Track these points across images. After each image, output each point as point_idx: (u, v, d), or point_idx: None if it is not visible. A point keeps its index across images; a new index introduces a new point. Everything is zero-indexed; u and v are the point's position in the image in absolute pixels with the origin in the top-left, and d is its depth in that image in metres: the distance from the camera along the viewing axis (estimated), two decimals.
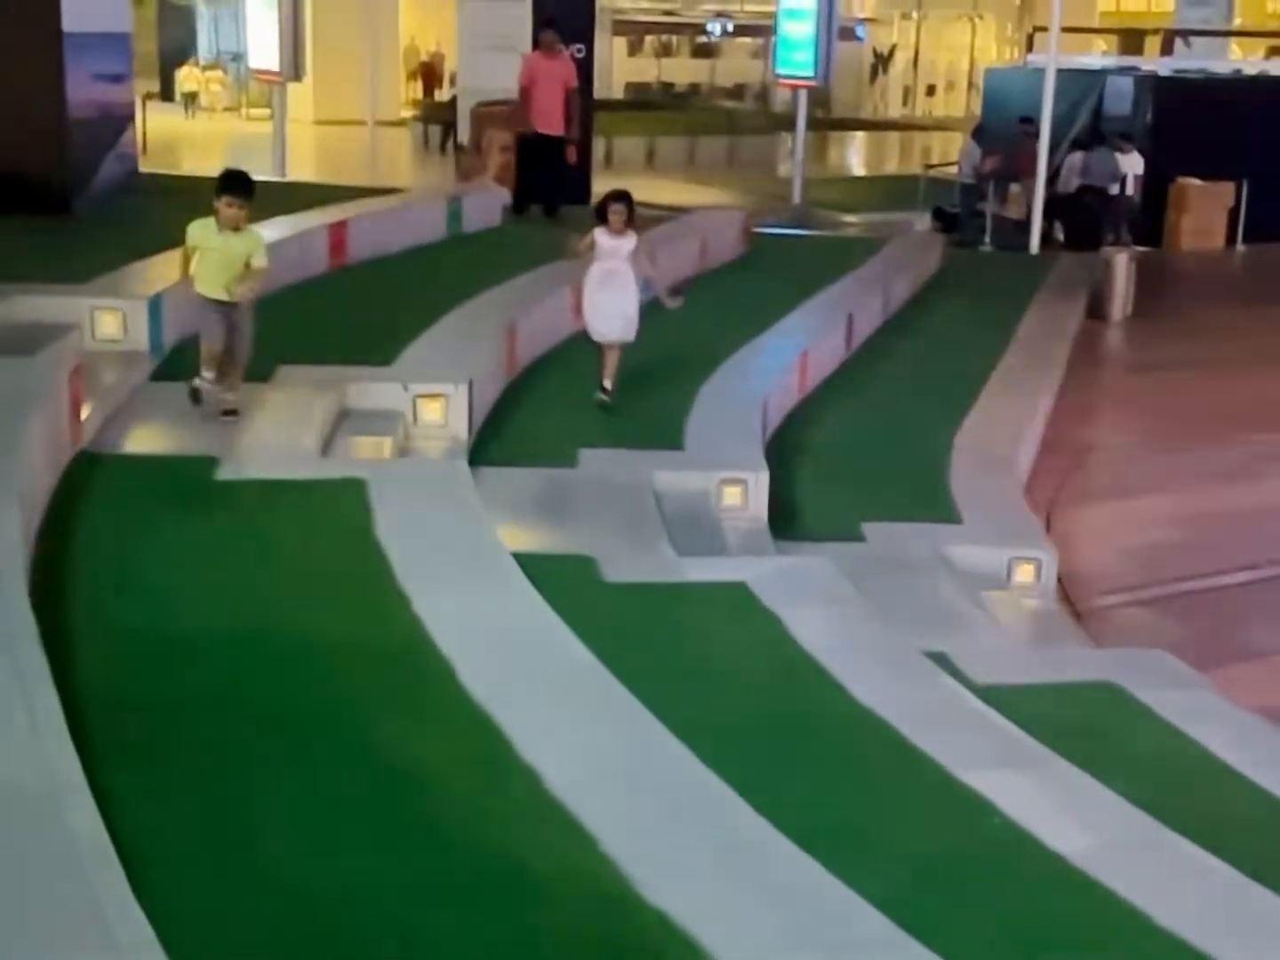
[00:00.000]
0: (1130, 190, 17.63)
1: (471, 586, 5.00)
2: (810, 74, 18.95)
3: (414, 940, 3.09)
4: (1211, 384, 12.23)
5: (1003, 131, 18.25)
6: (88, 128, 11.31)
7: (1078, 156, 17.93)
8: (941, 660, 5.40)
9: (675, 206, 16.01)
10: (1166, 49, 25.53)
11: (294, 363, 7.45)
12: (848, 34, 33.41)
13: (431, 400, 7.23)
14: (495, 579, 5.05)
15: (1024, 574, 7.32)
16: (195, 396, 6.60)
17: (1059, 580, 7.52)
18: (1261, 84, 20.87)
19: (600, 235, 7.94)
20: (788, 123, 23.00)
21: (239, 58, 27.35)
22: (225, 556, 5.22)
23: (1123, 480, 9.85)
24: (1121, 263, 14.59)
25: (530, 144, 13.60)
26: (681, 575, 5.87)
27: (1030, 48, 26.39)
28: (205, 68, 31.08)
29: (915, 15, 39.60)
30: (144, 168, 13.83)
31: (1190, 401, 11.73)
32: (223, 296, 6.52)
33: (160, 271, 8.21)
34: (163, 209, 10.09)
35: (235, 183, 6.53)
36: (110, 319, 7.63)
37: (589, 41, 15.88)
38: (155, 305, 7.72)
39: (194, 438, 6.44)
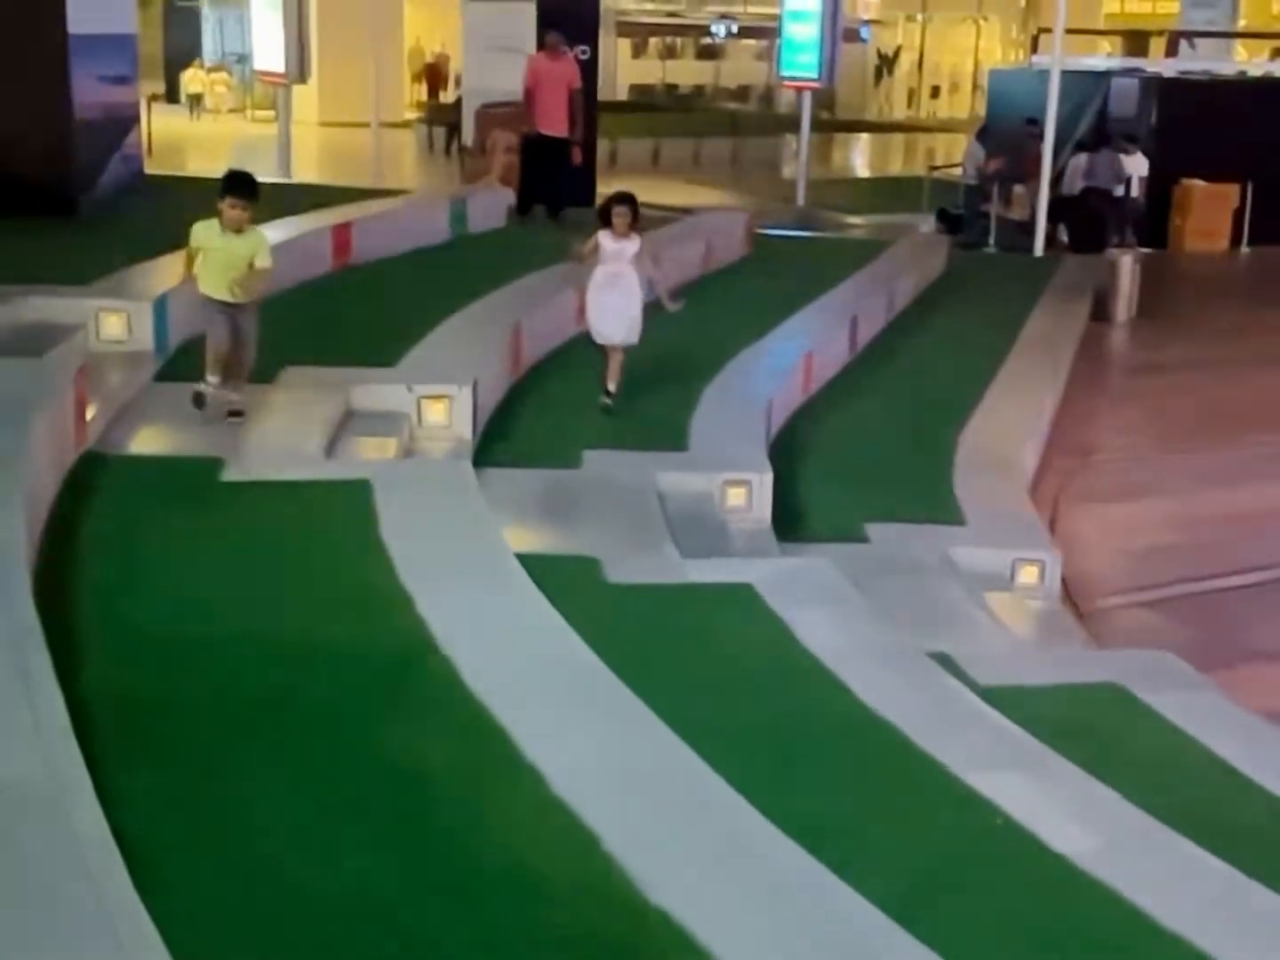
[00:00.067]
0: (1135, 192, 17.62)
1: (475, 587, 5.01)
2: (815, 76, 18.95)
3: (416, 940, 3.10)
4: (1216, 385, 12.23)
5: (1007, 133, 18.25)
6: (93, 129, 11.34)
7: (1082, 158, 17.91)
8: (945, 661, 5.41)
9: (680, 208, 16.02)
10: (1171, 50, 25.49)
11: (299, 364, 7.47)
12: (852, 36, 33.40)
13: (436, 401, 7.23)
14: (499, 580, 5.06)
15: (1028, 575, 7.31)
16: (199, 401, 6.60)
17: (1063, 581, 7.52)
18: (1266, 85, 20.84)
19: (604, 238, 7.93)
20: (792, 124, 22.99)
21: (244, 59, 27.40)
22: (230, 557, 5.22)
23: (1127, 481, 9.85)
24: (1126, 264, 14.58)
25: (535, 145, 13.61)
26: (685, 576, 5.87)
27: (1035, 49, 26.36)
28: (210, 69, 31.09)
29: (920, 17, 39.58)
30: (149, 169, 13.85)
31: (1195, 403, 11.73)
32: (226, 297, 6.54)
33: (165, 273, 8.22)
34: (168, 210, 10.08)
35: (238, 184, 6.54)
36: (115, 320, 7.64)
37: (593, 43, 15.88)
38: (160, 306, 7.73)
39: (199, 439, 6.46)
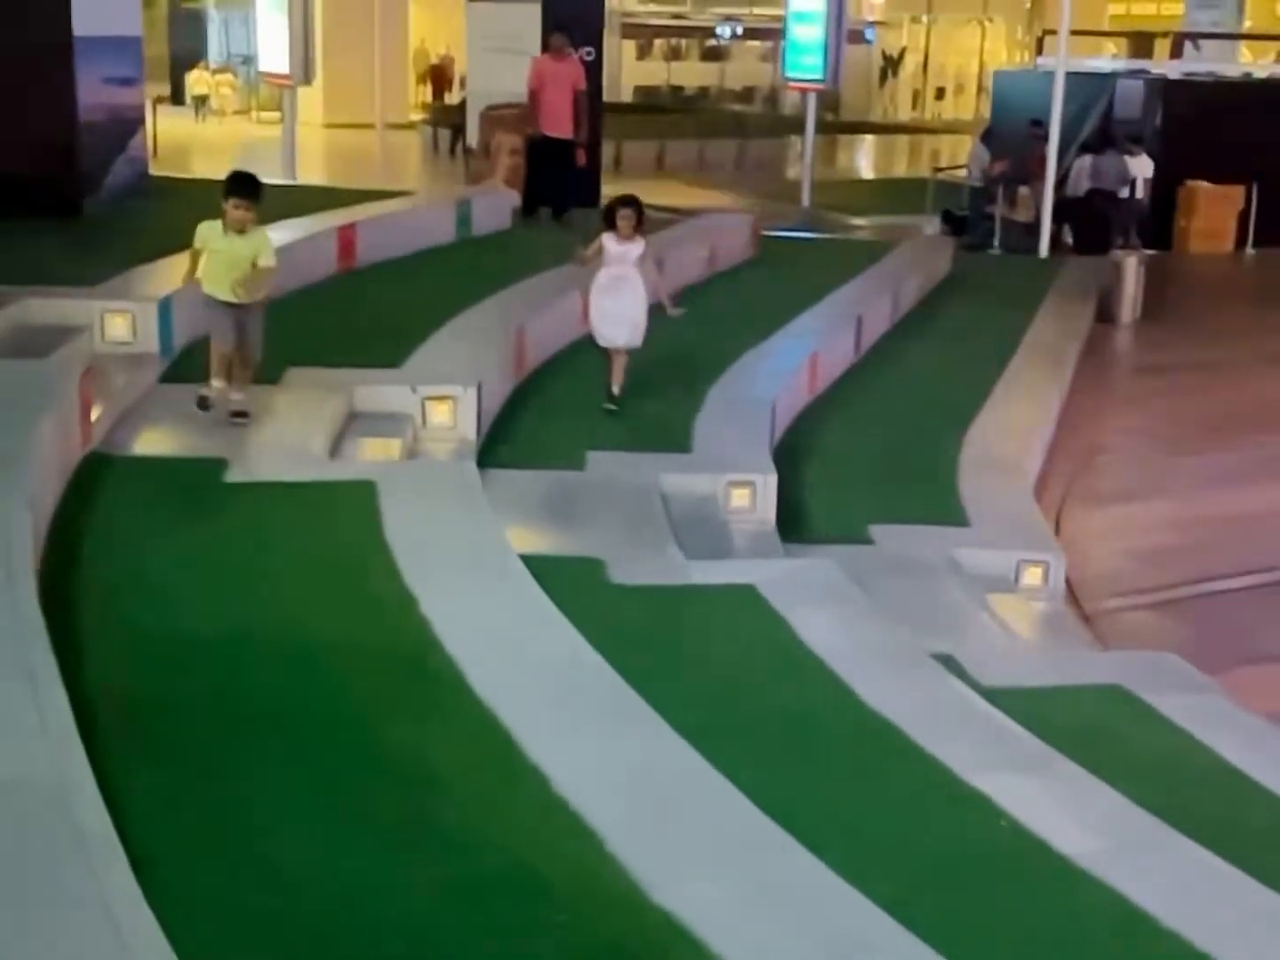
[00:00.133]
0: (1139, 194, 17.62)
1: (479, 588, 5.01)
2: (819, 77, 18.96)
3: (419, 940, 3.10)
4: (1221, 387, 12.22)
5: (1012, 134, 18.25)
6: (98, 131, 11.36)
7: (1087, 159, 17.91)
8: (949, 662, 5.41)
9: (685, 209, 16.02)
10: (1176, 52, 25.48)
11: (303, 365, 7.48)
12: (857, 37, 33.38)
13: (440, 402, 7.24)
14: (503, 581, 5.06)
15: (1032, 576, 7.31)
16: (204, 404, 6.61)
17: (1067, 583, 7.52)
18: (1271, 87, 20.82)
19: (608, 240, 7.92)
20: (797, 126, 23.01)
21: (249, 61, 27.42)
22: (234, 558, 5.23)
23: (1132, 483, 9.85)
24: (1131, 266, 14.58)
25: (539, 147, 13.61)
26: (689, 577, 5.88)
27: (1040, 51, 26.38)
28: (216, 71, 31.12)
29: (925, 18, 39.57)
30: (154, 171, 13.88)
31: (1200, 404, 11.72)
32: (230, 297, 6.54)
33: (170, 274, 8.22)
34: (173, 212, 10.08)
35: (242, 185, 6.55)
36: (120, 321, 7.65)
37: (598, 45, 15.86)
38: (165, 307, 7.74)
39: (203, 440, 6.46)
